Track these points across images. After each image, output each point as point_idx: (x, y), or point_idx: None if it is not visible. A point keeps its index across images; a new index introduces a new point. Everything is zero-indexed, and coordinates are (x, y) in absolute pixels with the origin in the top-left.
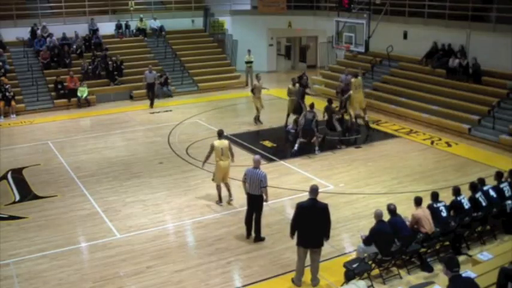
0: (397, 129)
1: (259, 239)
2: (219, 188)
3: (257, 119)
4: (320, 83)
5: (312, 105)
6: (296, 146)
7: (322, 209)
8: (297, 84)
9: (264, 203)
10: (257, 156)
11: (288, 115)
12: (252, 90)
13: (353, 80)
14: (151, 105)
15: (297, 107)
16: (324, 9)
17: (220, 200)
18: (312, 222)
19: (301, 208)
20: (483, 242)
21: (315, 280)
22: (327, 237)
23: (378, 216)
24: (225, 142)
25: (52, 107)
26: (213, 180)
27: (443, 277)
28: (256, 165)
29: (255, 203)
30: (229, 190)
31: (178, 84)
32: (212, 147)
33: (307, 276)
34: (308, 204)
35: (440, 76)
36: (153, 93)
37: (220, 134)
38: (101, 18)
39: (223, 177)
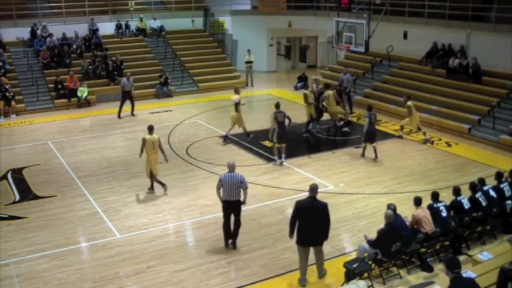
0: (397, 129)
1: (234, 245)
2: (151, 179)
3: (247, 133)
4: (320, 83)
5: (277, 105)
6: (278, 158)
7: (321, 208)
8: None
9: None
10: (232, 161)
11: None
12: (237, 106)
13: (409, 103)
14: (132, 112)
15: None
16: (324, 9)
17: (152, 188)
18: (311, 221)
19: (299, 206)
20: (483, 242)
21: (321, 272)
22: (326, 237)
23: (389, 218)
24: (156, 137)
25: (52, 107)
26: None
27: (443, 277)
28: (232, 169)
29: (234, 208)
30: (160, 182)
31: (178, 84)
32: (144, 142)
33: (309, 275)
34: (307, 202)
35: (440, 76)
36: (132, 100)
37: (151, 129)
38: (101, 18)
39: (151, 169)
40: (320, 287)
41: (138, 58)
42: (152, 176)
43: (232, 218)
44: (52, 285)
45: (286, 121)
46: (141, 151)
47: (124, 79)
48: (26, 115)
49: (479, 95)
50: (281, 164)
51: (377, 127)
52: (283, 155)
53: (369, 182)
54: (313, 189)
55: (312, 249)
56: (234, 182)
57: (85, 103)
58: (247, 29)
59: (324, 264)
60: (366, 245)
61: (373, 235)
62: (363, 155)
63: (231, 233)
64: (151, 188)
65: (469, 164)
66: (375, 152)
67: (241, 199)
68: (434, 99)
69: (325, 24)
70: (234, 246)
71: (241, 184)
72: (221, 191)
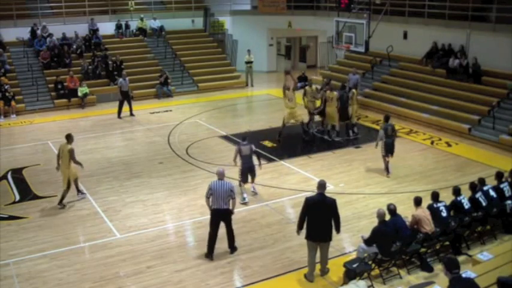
0: (397, 129)
1: (235, 249)
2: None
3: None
4: (319, 82)
5: (245, 137)
6: (245, 196)
7: (330, 203)
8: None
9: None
10: (221, 169)
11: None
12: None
13: (328, 92)
14: (131, 112)
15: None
16: (324, 9)
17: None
18: (320, 216)
19: (309, 202)
20: (483, 242)
21: (324, 269)
22: (338, 231)
23: (381, 216)
24: (67, 147)
25: (52, 107)
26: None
27: (443, 277)
28: (221, 177)
29: (224, 218)
30: (63, 196)
31: (178, 84)
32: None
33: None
34: (316, 198)
35: (441, 76)
36: (130, 100)
37: (67, 138)
38: (101, 18)
39: (64, 180)
40: (320, 286)
41: (138, 58)
42: (75, 182)
43: (224, 228)
44: (52, 285)
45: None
46: (57, 159)
47: (121, 79)
48: (26, 115)
49: (479, 95)
50: (245, 202)
51: (376, 127)
52: (245, 195)
53: (368, 182)
54: (322, 185)
55: (318, 246)
56: (224, 189)
57: (81, 103)
58: (247, 29)
59: (327, 263)
60: (365, 245)
61: (368, 234)
62: (387, 172)
63: (214, 246)
64: (78, 192)
65: (469, 164)
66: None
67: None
68: (434, 99)
69: (325, 24)
70: (232, 252)
71: (231, 193)
72: (211, 199)
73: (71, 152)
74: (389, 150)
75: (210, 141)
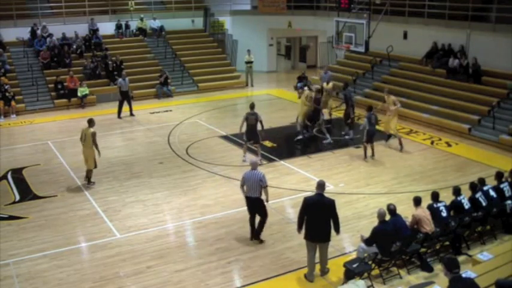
0: (397, 129)
1: (259, 241)
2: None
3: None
4: (319, 82)
5: (252, 106)
6: (245, 158)
7: (329, 204)
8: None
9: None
10: (254, 159)
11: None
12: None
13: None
14: (131, 112)
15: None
16: (324, 9)
17: (88, 182)
18: (318, 216)
19: (308, 202)
20: (483, 242)
21: (324, 269)
22: (337, 231)
23: (381, 216)
24: (90, 130)
25: (52, 107)
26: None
27: (443, 277)
28: (254, 167)
29: (256, 206)
30: (88, 177)
31: (178, 84)
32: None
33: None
34: (315, 199)
35: (441, 76)
36: (130, 100)
37: (89, 122)
38: (101, 18)
39: (90, 160)
40: (320, 286)
41: (138, 58)
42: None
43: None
44: (52, 285)
45: (259, 125)
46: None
47: (120, 79)
48: (26, 115)
49: (479, 95)
50: (260, 162)
51: (377, 127)
52: (245, 157)
53: (369, 182)
54: (321, 185)
55: (317, 244)
56: (254, 179)
57: (80, 103)
58: (247, 29)
59: (327, 263)
60: (365, 245)
61: (367, 233)
62: (365, 156)
63: (254, 228)
64: (88, 181)
65: (469, 164)
66: (372, 149)
67: (263, 197)
68: (434, 99)
69: (325, 24)
70: (257, 239)
71: (261, 182)
72: (245, 187)
73: (94, 135)
74: (371, 137)
75: (210, 141)
